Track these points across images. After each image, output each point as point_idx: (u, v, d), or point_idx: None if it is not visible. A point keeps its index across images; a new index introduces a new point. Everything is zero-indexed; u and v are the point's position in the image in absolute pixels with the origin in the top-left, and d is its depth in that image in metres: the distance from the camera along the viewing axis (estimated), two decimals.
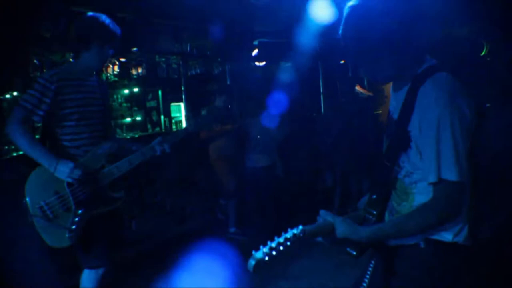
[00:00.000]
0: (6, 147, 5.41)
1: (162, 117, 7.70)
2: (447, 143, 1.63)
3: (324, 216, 1.83)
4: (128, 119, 7.38)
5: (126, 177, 3.10)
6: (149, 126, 7.57)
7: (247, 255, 1.60)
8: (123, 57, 6.31)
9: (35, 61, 5.64)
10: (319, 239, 1.84)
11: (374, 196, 1.90)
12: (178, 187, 6.08)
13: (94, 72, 3.16)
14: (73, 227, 2.82)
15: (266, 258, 1.57)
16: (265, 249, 1.59)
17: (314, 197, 6.43)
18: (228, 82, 7.71)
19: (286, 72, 7.74)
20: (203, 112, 5.62)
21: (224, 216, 5.98)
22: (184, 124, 7.44)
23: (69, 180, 2.81)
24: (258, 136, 5.51)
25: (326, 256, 4.54)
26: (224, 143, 5.59)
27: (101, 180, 2.96)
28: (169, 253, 5.03)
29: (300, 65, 7.14)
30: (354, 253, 1.78)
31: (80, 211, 2.85)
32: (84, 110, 2.98)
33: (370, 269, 1.99)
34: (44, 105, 2.84)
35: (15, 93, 5.75)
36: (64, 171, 2.79)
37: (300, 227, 1.68)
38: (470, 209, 1.77)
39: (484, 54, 7.98)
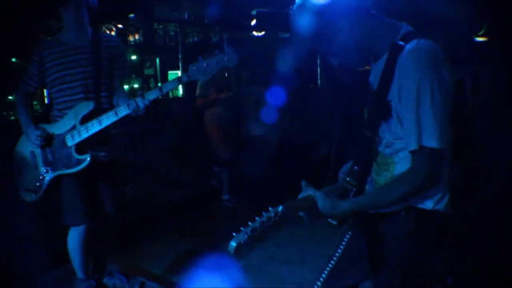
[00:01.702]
0: (5, 112, 5.46)
1: (159, 84, 7.68)
2: (427, 109, 1.58)
3: (305, 190, 1.80)
4: (126, 87, 7.36)
5: (105, 138, 3.11)
6: None
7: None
8: (120, 23, 6.26)
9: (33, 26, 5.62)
10: (301, 214, 1.80)
11: (356, 168, 1.87)
12: (173, 154, 6.10)
13: (89, 32, 3.16)
14: (37, 184, 3.04)
15: (247, 240, 1.54)
16: (246, 231, 1.56)
17: (309, 167, 6.46)
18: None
19: (284, 43, 7.68)
20: (200, 81, 5.59)
21: (218, 184, 6.03)
22: (180, 92, 7.44)
23: (32, 145, 3.06)
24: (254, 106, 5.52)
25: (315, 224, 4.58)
26: (220, 111, 5.60)
27: (67, 141, 3.00)
28: (162, 219, 5.10)
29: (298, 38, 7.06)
30: (335, 223, 1.79)
31: (43, 171, 3.04)
32: (65, 74, 3.05)
33: (345, 239, 2.00)
34: (34, 76, 3.14)
35: (13, 59, 5.75)
36: (30, 136, 3.04)
37: (281, 206, 1.65)
38: (452, 177, 1.76)
39: (481, 34, 7.90)
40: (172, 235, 4.69)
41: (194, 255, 4.11)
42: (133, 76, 7.55)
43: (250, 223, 1.59)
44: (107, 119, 2.92)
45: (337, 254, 1.99)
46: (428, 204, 1.75)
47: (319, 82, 8.74)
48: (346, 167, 2.10)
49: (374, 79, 1.84)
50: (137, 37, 6.49)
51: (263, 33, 8.07)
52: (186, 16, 6.91)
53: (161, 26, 6.96)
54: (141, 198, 5.63)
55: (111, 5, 4.92)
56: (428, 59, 1.60)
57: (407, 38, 1.68)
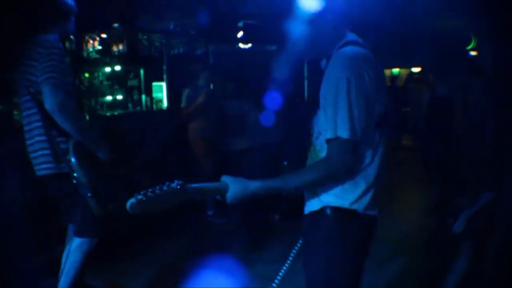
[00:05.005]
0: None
1: (143, 96, 7.57)
2: (343, 104, 1.75)
3: (223, 179, 1.91)
4: (109, 98, 7.24)
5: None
6: (129, 105, 7.41)
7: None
8: (104, 33, 6.14)
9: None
10: (218, 197, 1.92)
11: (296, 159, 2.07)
12: (156, 167, 5.98)
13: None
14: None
15: (140, 200, 1.70)
16: (141, 194, 1.71)
17: None
18: (211, 62, 7.60)
19: (270, 56, 7.63)
20: (185, 93, 5.53)
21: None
22: (165, 104, 7.33)
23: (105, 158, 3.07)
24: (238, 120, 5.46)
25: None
26: (204, 124, 5.51)
27: None
28: (143, 235, 4.98)
29: (285, 49, 7.03)
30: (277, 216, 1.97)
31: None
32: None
33: (297, 246, 2.13)
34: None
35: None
36: (104, 152, 3.06)
37: (176, 181, 1.78)
38: (377, 179, 1.86)
39: (471, 48, 7.93)
40: (153, 252, 4.58)
41: (175, 273, 4.00)
42: (117, 87, 7.41)
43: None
44: None
45: (288, 261, 2.13)
46: (344, 203, 1.85)
47: (306, 95, 8.70)
48: None
49: None
50: (121, 47, 6.36)
51: (249, 45, 8.03)
52: (171, 27, 6.83)
53: (146, 37, 6.86)
54: (121, 212, 5.47)
55: (95, 14, 4.81)
56: (348, 63, 1.79)
57: (343, 46, 1.89)
